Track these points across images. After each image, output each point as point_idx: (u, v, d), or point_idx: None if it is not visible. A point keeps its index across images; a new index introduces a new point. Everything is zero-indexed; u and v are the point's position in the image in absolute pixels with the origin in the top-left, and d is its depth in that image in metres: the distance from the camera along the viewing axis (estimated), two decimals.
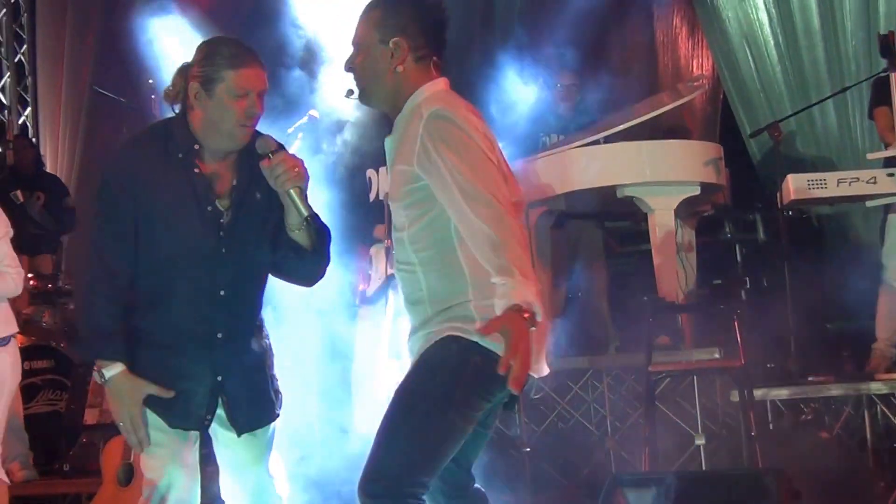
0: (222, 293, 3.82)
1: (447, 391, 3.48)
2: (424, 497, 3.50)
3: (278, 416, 4.03)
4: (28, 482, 7.74)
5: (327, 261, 3.93)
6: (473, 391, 3.51)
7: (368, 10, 3.75)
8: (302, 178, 3.73)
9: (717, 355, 7.17)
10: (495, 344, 3.41)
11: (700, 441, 6.87)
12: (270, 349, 4.06)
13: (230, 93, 3.75)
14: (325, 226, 3.91)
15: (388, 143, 3.74)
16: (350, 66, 3.76)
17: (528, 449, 7.20)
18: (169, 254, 3.80)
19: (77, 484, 7.81)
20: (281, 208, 3.80)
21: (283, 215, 3.82)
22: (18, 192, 8.21)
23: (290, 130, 6.79)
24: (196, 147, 3.81)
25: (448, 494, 3.74)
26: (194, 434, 3.93)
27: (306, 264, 3.89)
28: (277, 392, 4.04)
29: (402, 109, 3.69)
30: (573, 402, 7.60)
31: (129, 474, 6.38)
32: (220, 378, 3.86)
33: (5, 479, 6.02)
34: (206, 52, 3.80)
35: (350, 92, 3.81)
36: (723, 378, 7.17)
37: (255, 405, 3.95)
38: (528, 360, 3.26)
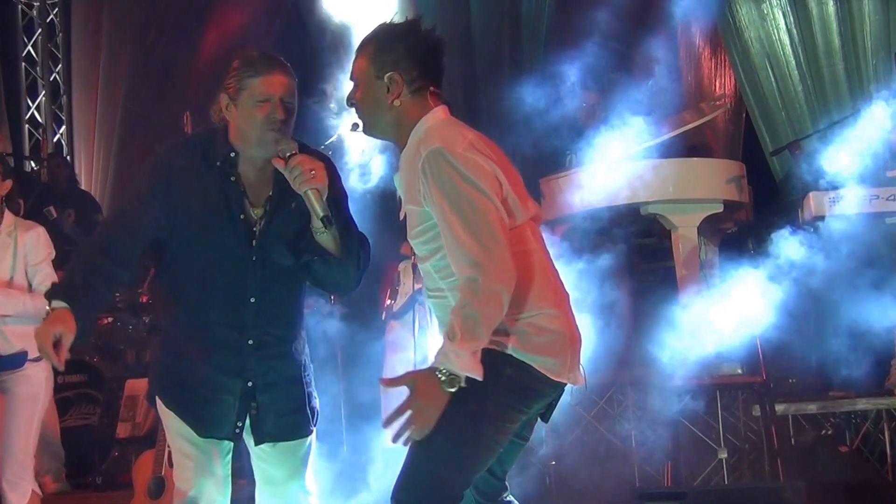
0: (252, 300, 3.84)
1: (481, 403, 3.49)
2: None
3: (312, 431, 4.01)
4: (60, 494, 7.80)
5: (358, 267, 3.87)
6: (508, 403, 3.55)
7: (364, 45, 3.80)
8: (319, 179, 3.72)
9: (739, 371, 7.23)
10: (529, 355, 3.51)
11: (722, 455, 6.98)
12: (309, 365, 4.06)
13: (253, 100, 3.79)
14: (359, 234, 3.91)
15: (397, 179, 3.79)
16: (351, 100, 3.81)
17: (553, 462, 7.32)
18: (200, 259, 3.84)
19: (109, 497, 7.89)
20: None
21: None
22: (52, 209, 8.29)
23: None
24: (232, 155, 3.86)
25: (482, 502, 3.77)
26: (226, 445, 3.95)
27: (333, 270, 3.84)
28: (314, 409, 4.02)
29: (405, 143, 3.72)
30: (598, 416, 7.65)
31: (161, 487, 6.45)
32: (250, 384, 3.87)
33: (38, 491, 6.10)
34: (233, 65, 3.87)
35: (355, 126, 3.90)
36: (745, 393, 7.24)
37: (287, 415, 3.93)
38: (418, 419, 3.39)
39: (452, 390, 3.38)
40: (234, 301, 3.84)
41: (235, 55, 3.91)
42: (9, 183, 6.05)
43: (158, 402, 3.98)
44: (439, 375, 3.39)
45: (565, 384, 3.63)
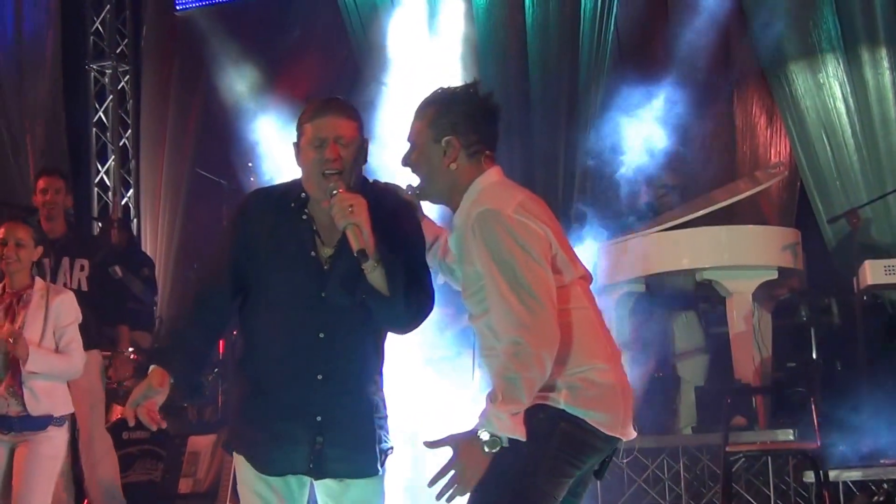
0: (321, 335, 3.85)
1: (536, 459, 3.50)
2: None
3: (377, 472, 3.94)
4: None
5: (408, 307, 3.83)
6: (562, 458, 3.55)
7: (423, 108, 3.86)
8: (356, 215, 3.72)
9: (791, 437, 7.25)
10: (582, 409, 3.54)
11: None
12: (383, 406, 4.02)
13: (309, 144, 3.86)
14: (415, 275, 3.86)
15: (451, 241, 3.88)
16: (407, 161, 3.87)
17: None
18: (273, 296, 3.91)
19: None
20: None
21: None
22: (117, 268, 8.45)
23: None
24: (303, 196, 3.95)
25: None
26: (297, 487, 3.95)
27: (383, 309, 3.82)
28: (384, 451, 3.97)
29: (458, 205, 3.79)
30: (649, 481, 7.70)
31: None
32: (319, 419, 3.85)
33: None
34: (300, 115, 4.00)
35: (410, 187, 3.91)
36: (796, 459, 7.26)
37: (352, 453, 3.90)
38: (460, 480, 3.46)
39: (493, 451, 3.44)
40: (303, 336, 3.87)
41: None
42: (40, 249, 6.31)
43: (235, 458, 4.00)
44: (481, 437, 3.45)
45: (618, 439, 3.65)
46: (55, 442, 6.14)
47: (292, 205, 3.97)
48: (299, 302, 3.89)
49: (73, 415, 6.45)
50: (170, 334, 4.05)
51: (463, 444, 3.50)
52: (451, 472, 3.49)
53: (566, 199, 9.81)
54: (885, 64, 8.90)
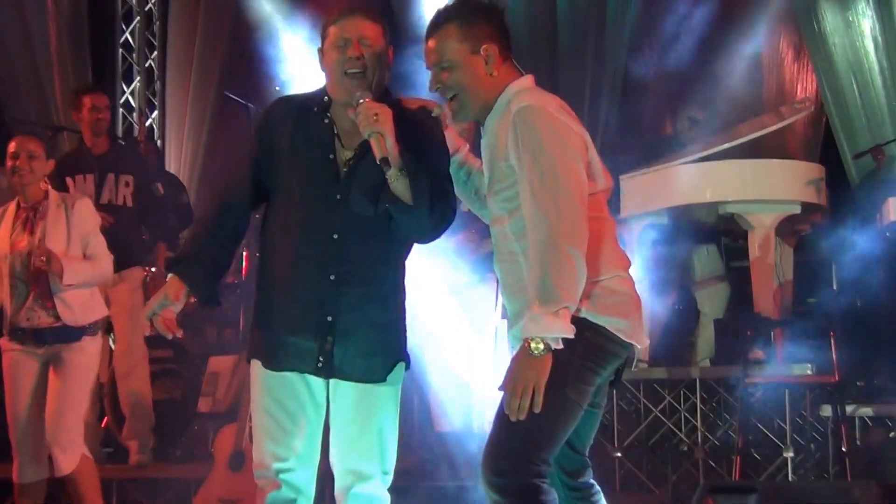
0: (335, 236, 3.89)
1: (562, 367, 3.56)
2: (547, 475, 3.61)
3: (383, 379, 3.95)
4: (142, 467, 7.96)
5: (431, 216, 3.84)
6: (586, 366, 3.63)
7: (441, 26, 3.85)
8: (381, 124, 3.73)
9: (809, 371, 7.28)
10: (602, 317, 3.63)
11: (788, 454, 7.04)
12: (402, 316, 4.06)
13: (332, 45, 3.92)
14: (438, 185, 3.87)
15: (483, 143, 3.90)
16: (440, 84, 3.86)
17: (619, 454, 7.43)
18: (290, 198, 3.96)
19: (189, 468, 8.02)
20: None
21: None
22: (159, 185, 8.46)
23: None
24: (326, 99, 4.00)
25: (567, 482, 3.84)
26: (311, 405, 3.97)
27: (406, 218, 3.85)
28: (395, 359, 3.99)
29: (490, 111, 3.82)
30: (665, 411, 7.76)
31: (241, 461, 6.61)
32: (329, 318, 3.89)
33: (89, 454, 6.25)
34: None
35: (442, 108, 3.92)
36: (813, 393, 7.30)
37: (361, 357, 3.93)
38: (524, 390, 3.50)
39: (542, 352, 3.49)
40: (318, 237, 3.90)
41: None
42: (51, 163, 6.39)
43: (251, 365, 4.04)
44: (528, 345, 3.51)
45: (633, 346, 3.75)
46: (88, 353, 6.21)
47: (315, 109, 4.03)
48: (315, 204, 3.93)
49: (108, 323, 6.48)
50: (189, 241, 4.10)
51: (515, 361, 3.57)
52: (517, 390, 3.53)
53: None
54: None
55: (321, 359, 3.91)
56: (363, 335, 3.92)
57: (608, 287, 3.66)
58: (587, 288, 3.60)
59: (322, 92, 4.05)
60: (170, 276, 3.98)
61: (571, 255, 3.50)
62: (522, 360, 3.53)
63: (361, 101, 3.79)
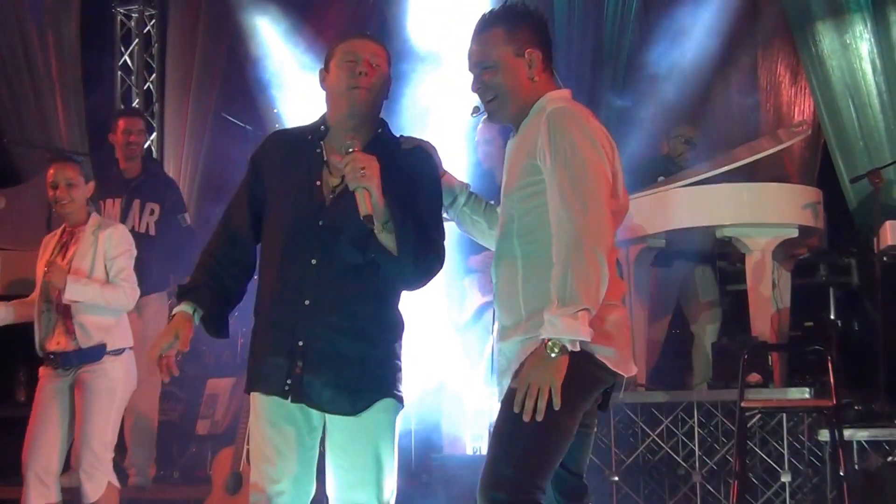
0: (313, 262, 3.89)
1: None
2: (543, 502, 3.61)
3: (353, 413, 3.89)
4: (139, 488, 7.98)
5: (416, 267, 3.85)
6: (576, 391, 3.62)
7: (487, 28, 3.88)
8: (368, 179, 3.72)
9: (807, 395, 7.28)
10: (592, 345, 3.60)
11: (786, 478, 7.04)
12: (386, 357, 3.99)
13: (340, 62, 3.96)
14: (425, 235, 3.87)
15: (510, 143, 3.92)
16: (481, 85, 3.87)
17: (616, 478, 7.42)
18: (277, 223, 3.98)
19: (186, 491, 8.07)
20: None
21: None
22: (186, 215, 8.43)
23: None
24: (322, 128, 4.03)
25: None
26: (307, 440, 3.98)
27: (392, 267, 3.85)
28: (373, 392, 3.93)
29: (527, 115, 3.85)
30: (663, 435, 7.75)
31: (238, 483, 6.65)
32: (300, 343, 3.88)
33: (116, 483, 6.28)
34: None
35: (476, 109, 3.93)
36: (811, 417, 7.29)
37: (329, 388, 3.89)
38: (538, 387, 3.50)
39: (557, 355, 3.49)
40: (297, 262, 3.91)
41: None
42: (91, 185, 6.36)
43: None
44: (545, 346, 3.51)
45: (619, 374, 3.75)
46: (111, 375, 6.18)
47: (309, 137, 4.05)
48: (298, 229, 3.94)
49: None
50: (199, 270, 4.09)
51: (531, 359, 3.57)
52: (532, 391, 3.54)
53: None
54: None
55: (289, 381, 3.90)
56: (330, 365, 3.89)
57: (600, 315, 3.63)
58: None
59: (319, 121, 4.08)
60: (178, 311, 3.99)
61: (596, 256, 3.50)
62: (538, 361, 3.53)
63: (351, 150, 3.78)
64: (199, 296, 4.01)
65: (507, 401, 3.69)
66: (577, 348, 3.51)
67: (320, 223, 3.91)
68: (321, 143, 4.03)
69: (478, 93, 3.91)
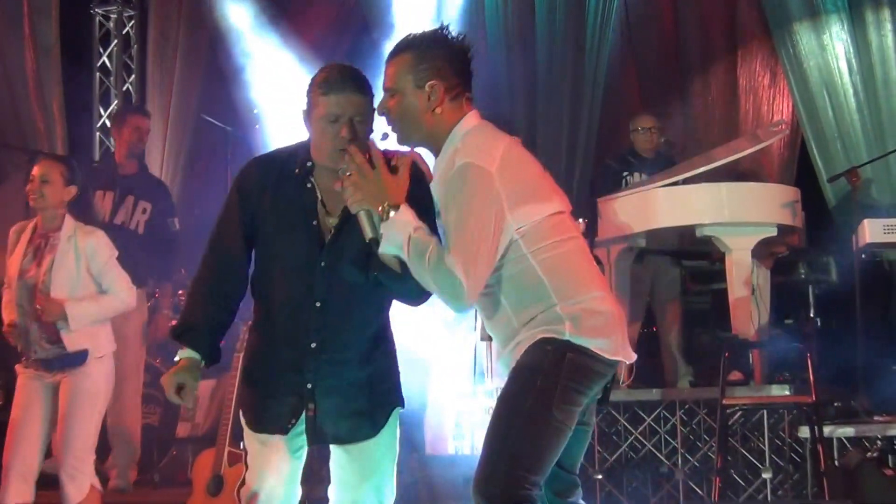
0: (318, 304, 3.89)
1: (548, 390, 3.62)
2: (537, 498, 3.64)
3: (373, 435, 3.99)
4: (120, 491, 7.92)
5: (419, 284, 3.78)
6: (572, 387, 3.65)
7: (398, 52, 3.84)
8: (363, 162, 3.72)
9: (787, 392, 7.32)
10: (585, 338, 3.66)
11: (767, 475, 7.08)
12: (386, 373, 4.08)
13: (323, 118, 3.84)
14: None
15: (433, 187, 3.88)
16: (384, 109, 3.85)
17: (600, 476, 7.44)
18: (274, 261, 3.96)
19: (166, 494, 8.05)
20: None
21: None
22: (176, 220, 8.39)
23: None
24: (309, 164, 3.97)
25: (556, 501, 3.87)
26: (293, 444, 4.02)
27: (395, 284, 3.84)
28: (383, 412, 4.02)
29: (441, 148, 3.83)
30: (645, 433, 7.78)
31: (219, 485, 6.62)
32: (309, 386, 3.92)
33: (98, 486, 6.27)
34: (310, 80, 3.96)
35: (385, 135, 3.87)
36: (791, 414, 7.34)
37: (346, 418, 3.95)
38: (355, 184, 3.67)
39: (379, 209, 3.65)
40: (301, 304, 3.91)
41: (320, 70, 3.97)
42: (73, 189, 6.21)
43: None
44: (382, 205, 3.66)
45: (619, 362, 3.78)
46: (95, 377, 6.14)
47: (297, 171, 3.99)
48: (300, 271, 3.93)
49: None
50: (190, 306, 4.07)
51: (391, 182, 3.70)
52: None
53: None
54: (889, 26, 8.96)
55: (293, 421, 3.95)
56: (343, 397, 3.95)
57: (589, 308, 3.69)
58: (570, 310, 3.67)
59: (304, 152, 4.01)
60: (185, 357, 4.00)
61: (454, 288, 3.59)
62: (368, 186, 3.69)
63: (349, 174, 3.75)
64: (198, 341, 4.00)
65: (502, 398, 3.75)
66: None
67: (322, 264, 3.91)
68: (310, 177, 3.98)
69: (381, 115, 3.90)
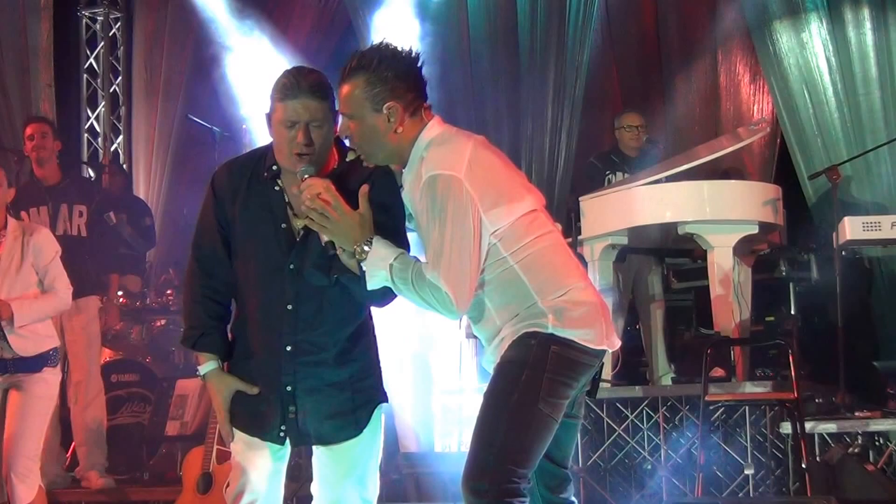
0: (289, 307, 3.91)
1: (533, 383, 3.66)
2: (526, 492, 3.68)
3: (356, 436, 4.01)
4: (107, 490, 8.08)
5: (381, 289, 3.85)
6: (557, 380, 3.69)
7: (349, 77, 3.80)
8: (323, 207, 3.73)
9: (769, 389, 7.37)
10: (569, 330, 3.71)
11: (749, 471, 7.13)
12: (366, 371, 4.07)
13: (281, 123, 3.83)
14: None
15: (404, 197, 3.91)
16: (346, 133, 3.86)
17: (583, 473, 7.50)
18: (248, 264, 3.98)
19: (155, 492, 8.12)
20: None
21: None
22: (112, 214, 8.49)
23: None
24: (275, 168, 3.97)
25: (547, 497, 3.91)
26: (276, 445, 4.05)
27: (357, 287, 3.85)
28: (365, 411, 4.03)
29: (406, 160, 3.85)
30: (628, 430, 7.82)
31: (208, 483, 6.69)
32: (289, 388, 3.93)
33: (43, 485, 6.32)
34: (272, 84, 3.95)
35: (353, 151, 3.90)
36: (773, 411, 7.39)
37: (328, 419, 3.97)
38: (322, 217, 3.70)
39: (354, 250, 3.71)
40: (273, 308, 3.94)
41: (281, 74, 3.95)
42: (12, 191, 6.35)
43: None
44: (356, 246, 3.72)
45: (605, 352, 3.83)
46: (50, 383, 6.24)
47: (265, 174, 4.01)
48: (271, 274, 3.95)
49: (64, 355, 6.48)
50: (190, 313, 4.09)
51: (357, 220, 3.73)
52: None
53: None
54: (868, 24, 8.96)
55: (283, 428, 3.99)
56: (321, 398, 3.97)
57: (571, 300, 3.74)
58: (552, 304, 3.72)
59: (271, 158, 4.01)
60: (208, 371, 4.02)
61: (445, 301, 3.67)
62: (347, 221, 3.72)
63: (306, 176, 3.79)
64: (214, 346, 4.02)
65: (488, 393, 3.78)
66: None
67: (291, 266, 3.93)
68: (278, 180, 4.00)
69: (343, 139, 3.94)
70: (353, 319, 4.03)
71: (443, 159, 3.74)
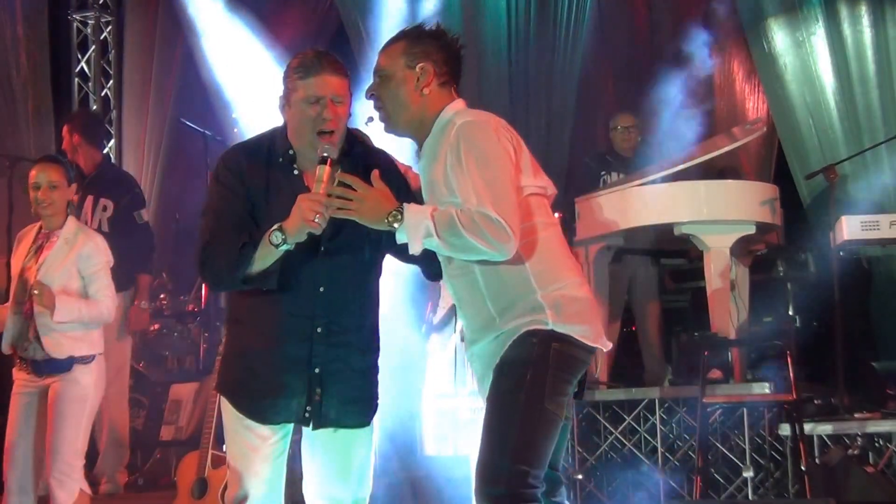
0: (322, 289, 3.97)
1: (538, 382, 3.68)
2: (540, 496, 3.68)
3: (369, 423, 4.12)
4: (109, 495, 7.98)
5: (432, 259, 3.95)
6: (560, 377, 3.74)
7: (392, 42, 3.96)
8: (343, 191, 3.75)
9: (767, 390, 7.35)
10: (567, 325, 3.71)
11: (748, 473, 7.10)
12: (377, 374, 4.17)
13: (304, 101, 3.91)
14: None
15: (421, 167, 3.96)
16: (373, 92, 3.94)
17: (580, 476, 7.46)
18: None
19: (150, 497, 8.12)
20: None
21: None
22: (143, 212, 8.31)
23: None
24: (291, 152, 4.01)
25: (542, 500, 3.86)
26: (280, 447, 4.07)
27: (416, 263, 4.04)
28: (375, 404, 4.16)
29: (427, 133, 3.90)
30: (625, 432, 7.80)
31: (203, 488, 6.63)
32: (317, 370, 3.99)
33: (88, 490, 6.29)
34: (286, 66, 4.02)
35: (370, 119, 4.04)
36: (771, 412, 7.36)
37: (349, 403, 4.05)
38: (355, 204, 3.70)
39: (386, 221, 3.68)
40: (304, 291, 3.97)
41: (294, 56, 4.03)
42: (73, 188, 6.27)
43: (221, 398, 4.14)
44: (388, 217, 3.69)
45: (596, 349, 3.84)
46: (82, 383, 6.12)
47: (280, 160, 4.02)
48: (299, 257, 3.93)
49: None
50: (241, 264, 3.93)
51: (375, 195, 3.72)
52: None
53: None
54: (864, 22, 8.93)
55: (309, 409, 4.00)
56: (347, 382, 4.04)
57: (569, 295, 3.75)
58: (551, 297, 3.72)
59: (282, 140, 4.04)
60: (278, 226, 3.89)
61: (500, 227, 3.62)
62: (380, 206, 3.73)
63: (325, 154, 3.82)
64: (272, 277, 3.94)
65: (494, 396, 3.77)
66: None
67: (322, 249, 3.96)
68: (294, 165, 4.02)
69: (370, 99, 3.98)
70: (371, 313, 4.15)
71: (476, 115, 3.85)
